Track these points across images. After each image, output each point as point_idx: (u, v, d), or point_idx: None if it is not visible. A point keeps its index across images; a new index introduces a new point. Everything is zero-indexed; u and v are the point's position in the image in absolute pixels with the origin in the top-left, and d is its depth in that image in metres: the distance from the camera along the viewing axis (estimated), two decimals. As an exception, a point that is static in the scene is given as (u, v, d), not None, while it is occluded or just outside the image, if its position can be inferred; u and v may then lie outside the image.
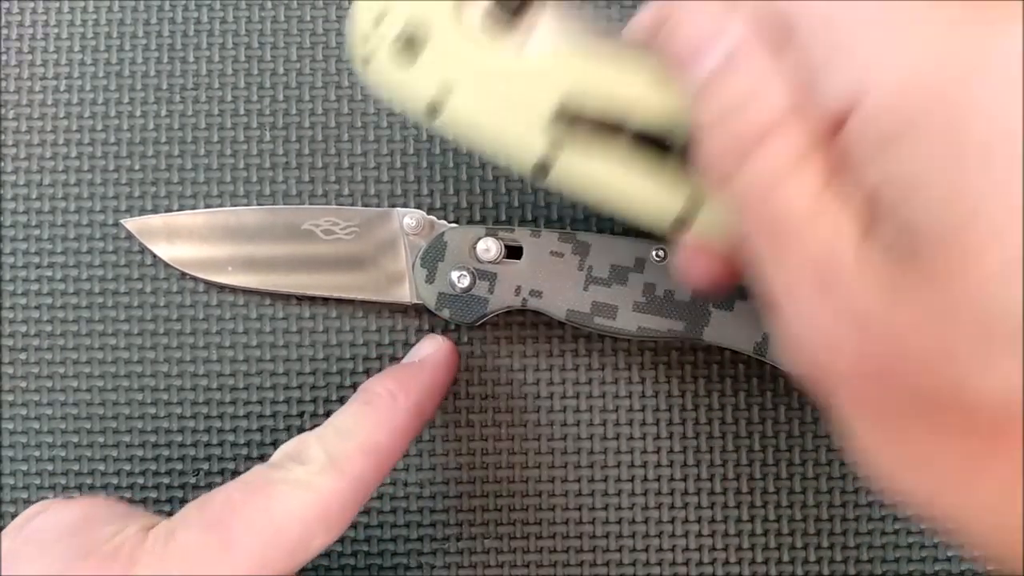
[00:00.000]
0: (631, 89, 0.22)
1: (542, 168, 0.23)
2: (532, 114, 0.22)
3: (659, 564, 0.30)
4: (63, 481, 0.30)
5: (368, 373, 0.30)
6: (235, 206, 0.31)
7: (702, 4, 0.20)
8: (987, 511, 0.17)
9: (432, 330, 0.31)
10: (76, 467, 0.30)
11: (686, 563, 0.30)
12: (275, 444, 0.30)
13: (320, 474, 0.23)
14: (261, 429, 0.30)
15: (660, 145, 0.22)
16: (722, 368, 0.30)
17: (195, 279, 0.31)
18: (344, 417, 0.25)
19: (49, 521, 0.23)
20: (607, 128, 0.22)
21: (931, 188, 0.16)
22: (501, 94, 0.22)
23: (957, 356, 0.16)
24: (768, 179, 0.18)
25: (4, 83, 0.31)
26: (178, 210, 0.31)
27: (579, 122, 0.22)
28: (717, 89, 0.19)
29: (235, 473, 0.30)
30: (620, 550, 0.30)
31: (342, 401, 0.31)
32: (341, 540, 0.30)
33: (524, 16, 0.23)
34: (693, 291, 0.27)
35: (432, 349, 0.28)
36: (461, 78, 0.23)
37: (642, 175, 0.22)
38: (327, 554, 0.30)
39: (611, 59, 0.22)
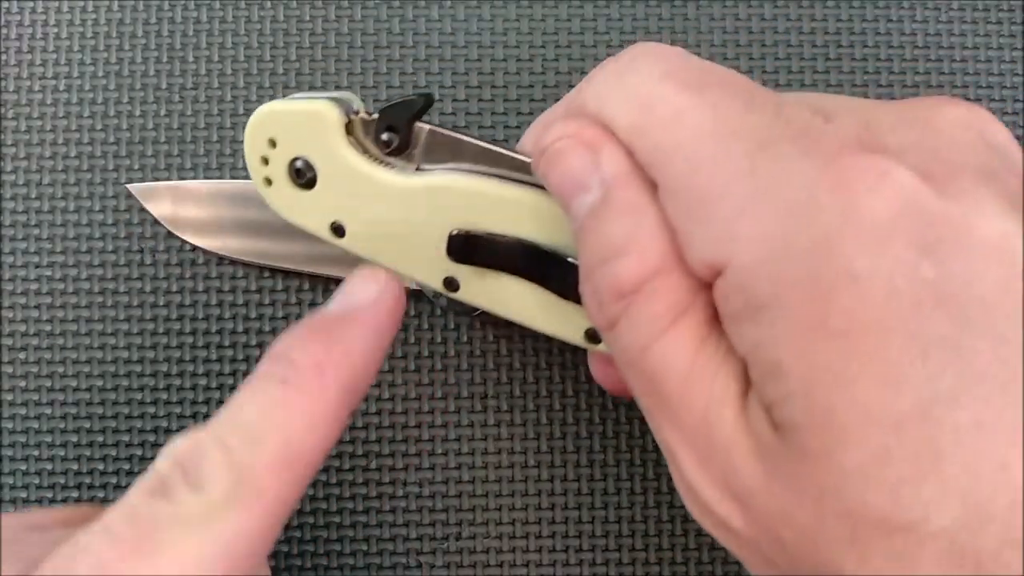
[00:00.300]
0: (524, 207, 0.22)
1: (450, 284, 0.23)
2: (431, 235, 0.22)
3: (659, 564, 0.30)
4: (62, 480, 0.30)
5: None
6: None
7: (572, 142, 0.19)
8: None
9: (429, 318, 0.30)
10: (75, 467, 0.30)
11: (686, 563, 0.30)
12: (274, 444, 0.30)
13: (225, 506, 0.17)
14: (260, 429, 0.30)
15: (561, 261, 0.22)
16: (722, 367, 0.30)
17: (195, 275, 0.31)
18: (252, 407, 0.18)
19: None
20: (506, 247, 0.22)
21: (792, 369, 0.15)
22: (397, 218, 0.23)
23: (831, 551, 0.15)
24: (644, 335, 0.17)
25: (4, 83, 0.31)
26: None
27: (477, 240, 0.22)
28: (594, 232, 0.18)
29: (234, 472, 0.30)
30: (620, 549, 0.30)
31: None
32: (340, 540, 0.30)
33: (411, 141, 0.23)
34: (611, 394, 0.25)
35: (370, 293, 0.21)
36: (356, 204, 0.23)
37: (545, 292, 0.22)
38: (326, 553, 0.30)
39: (502, 178, 0.22)
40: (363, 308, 0.20)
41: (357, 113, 0.23)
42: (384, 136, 0.23)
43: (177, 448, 0.18)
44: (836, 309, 0.15)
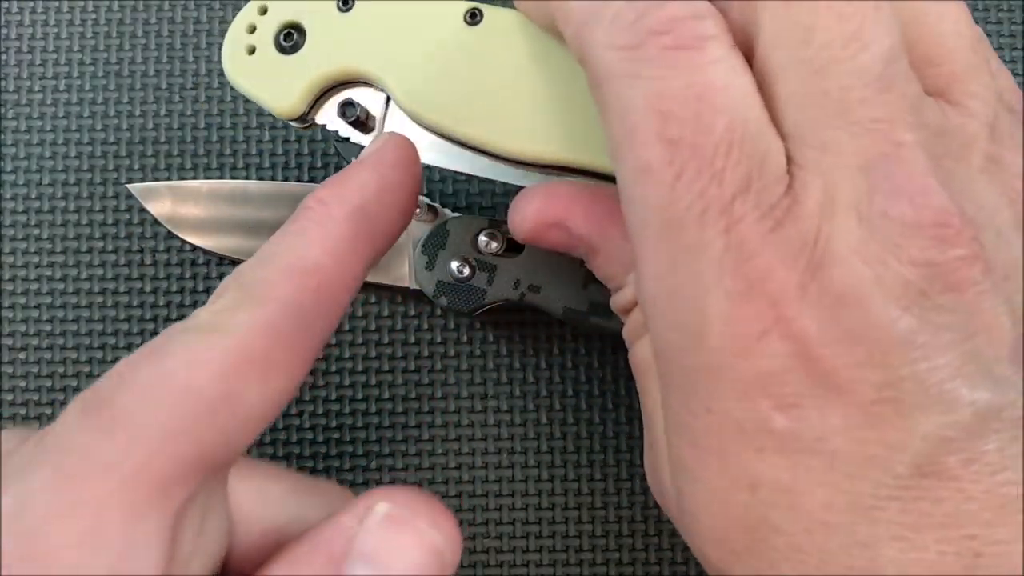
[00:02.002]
0: None
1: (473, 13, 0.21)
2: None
3: (659, 564, 0.30)
4: (62, 480, 0.30)
5: (356, 357, 0.30)
6: (234, 205, 0.31)
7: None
8: None
9: (429, 318, 0.30)
10: (75, 466, 0.30)
11: (685, 563, 0.30)
12: (274, 444, 0.30)
13: (232, 310, 0.17)
14: (260, 429, 0.30)
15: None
16: (722, 367, 0.30)
17: (195, 275, 0.31)
18: (266, 244, 0.19)
19: None
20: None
21: (672, 455, 0.18)
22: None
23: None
24: (630, 333, 0.20)
25: (4, 83, 0.31)
26: (177, 210, 0.31)
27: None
28: None
29: (234, 472, 0.30)
30: (620, 549, 0.30)
31: (339, 388, 0.30)
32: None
33: None
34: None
35: (375, 144, 0.21)
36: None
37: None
38: (326, 554, 0.30)
39: None
40: (368, 152, 0.21)
41: None
42: None
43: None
44: (696, 427, 0.17)
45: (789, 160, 0.16)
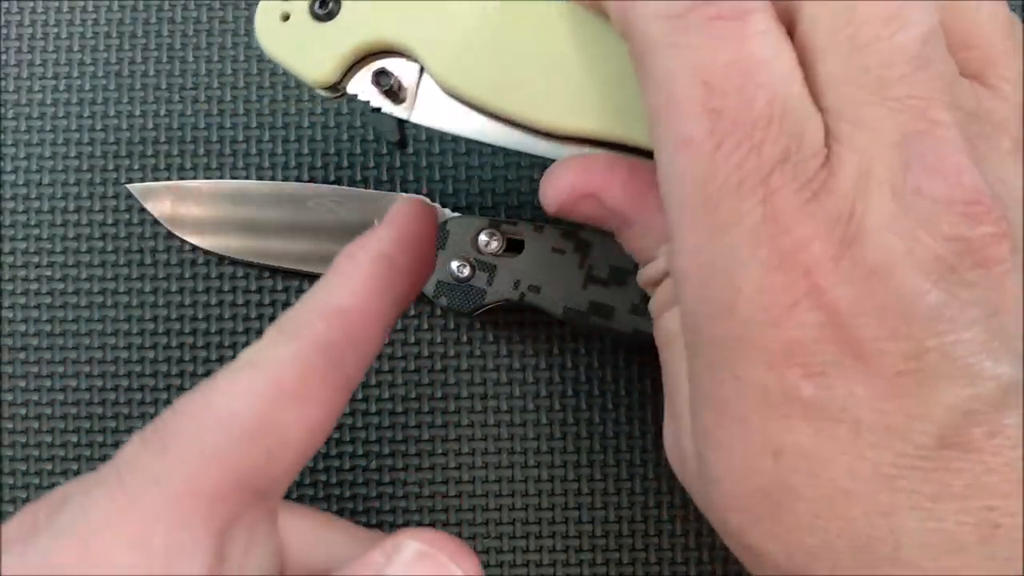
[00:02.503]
0: None
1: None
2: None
3: (659, 564, 0.30)
4: (62, 481, 0.30)
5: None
6: (234, 205, 0.31)
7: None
8: None
9: (429, 318, 0.30)
10: (75, 467, 0.30)
11: (686, 562, 0.30)
12: (274, 444, 0.30)
13: (268, 347, 0.20)
14: (260, 429, 0.30)
15: None
16: (722, 367, 0.30)
17: (195, 275, 0.31)
18: (303, 295, 0.21)
19: None
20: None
21: (694, 420, 0.18)
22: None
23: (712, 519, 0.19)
24: (657, 307, 0.21)
25: (4, 83, 0.31)
26: (177, 210, 0.31)
27: None
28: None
29: (234, 473, 0.30)
30: (620, 549, 0.30)
31: (341, 400, 0.30)
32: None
33: None
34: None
35: (396, 206, 0.24)
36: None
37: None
38: (326, 554, 0.30)
39: None
40: (388, 214, 0.23)
41: None
42: None
43: None
44: (722, 395, 0.17)
45: (826, 135, 0.16)
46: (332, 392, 0.20)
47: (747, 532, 0.17)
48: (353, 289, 0.21)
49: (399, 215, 0.23)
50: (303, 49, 0.22)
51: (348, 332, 0.20)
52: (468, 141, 0.31)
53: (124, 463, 0.19)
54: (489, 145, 0.23)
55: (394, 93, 0.22)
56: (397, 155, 0.31)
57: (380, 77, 0.22)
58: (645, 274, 0.21)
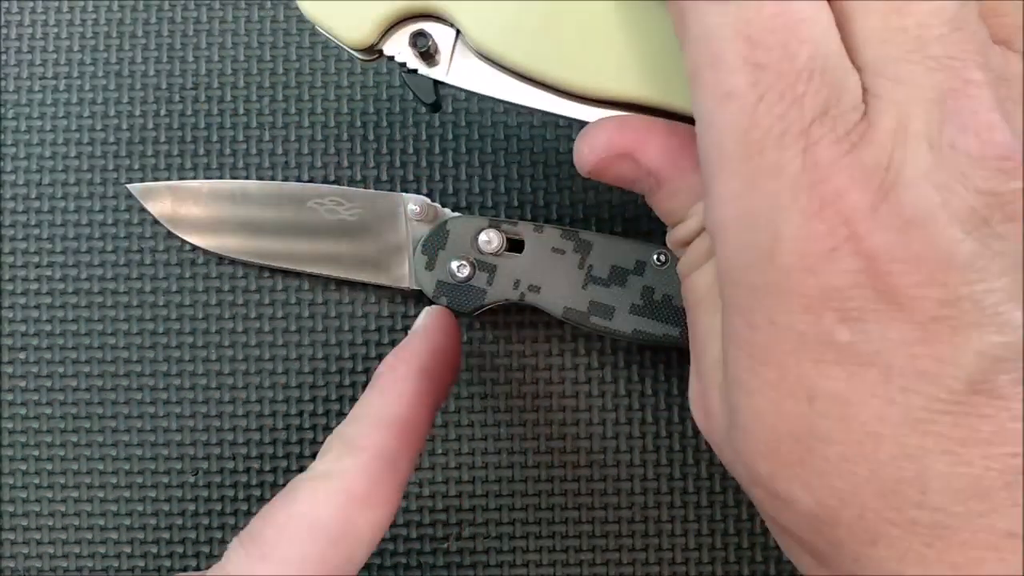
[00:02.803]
0: None
1: None
2: None
3: (659, 564, 0.30)
4: (62, 480, 0.30)
5: (356, 357, 0.30)
6: (234, 205, 0.31)
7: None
8: None
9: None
10: (75, 467, 0.30)
11: (685, 563, 0.30)
12: (274, 443, 0.30)
13: (338, 460, 0.23)
14: (260, 428, 0.30)
15: None
16: (722, 367, 0.30)
17: (195, 275, 0.31)
18: (355, 407, 0.25)
19: None
20: None
21: (727, 362, 0.19)
22: None
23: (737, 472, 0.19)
24: (687, 266, 0.21)
25: (4, 83, 0.31)
26: (177, 210, 0.31)
27: None
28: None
29: (234, 472, 0.30)
30: (620, 550, 0.30)
31: (340, 388, 0.31)
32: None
33: None
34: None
35: (424, 319, 0.27)
36: None
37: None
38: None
39: None
40: (420, 325, 0.27)
41: None
42: None
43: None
44: (757, 341, 0.17)
45: (864, 91, 0.17)
46: (392, 493, 0.23)
47: (777, 479, 0.18)
48: (401, 402, 0.24)
49: (431, 328, 0.27)
50: (342, 11, 0.22)
51: (402, 440, 0.24)
52: (468, 141, 0.31)
53: (233, 568, 0.22)
54: (524, 107, 0.23)
55: (430, 55, 0.23)
56: (398, 154, 0.31)
57: (417, 39, 0.23)
58: (676, 235, 0.21)
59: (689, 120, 0.20)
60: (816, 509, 0.17)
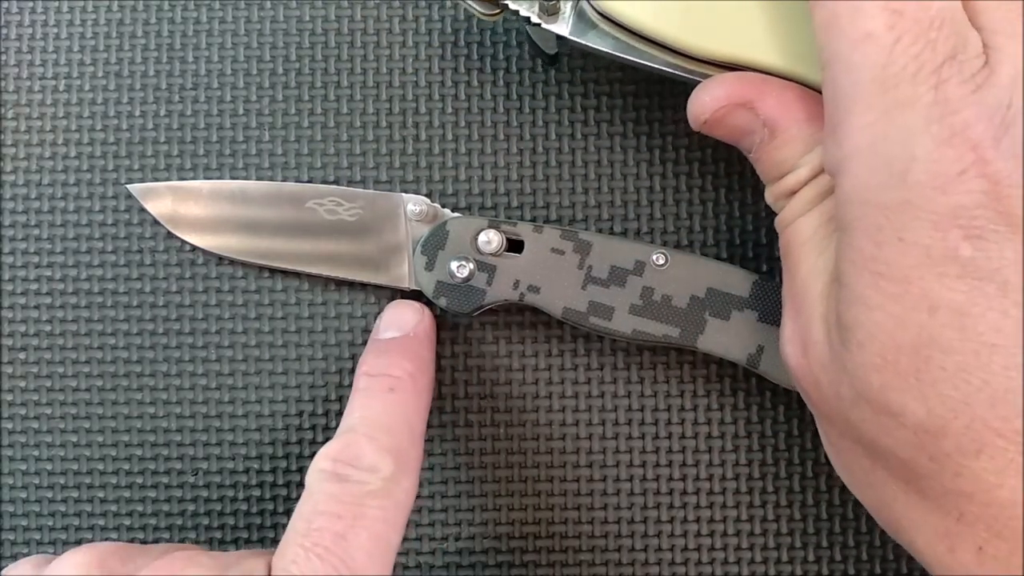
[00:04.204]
0: None
1: None
2: None
3: (658, 564, 0.30)
4: (62, 481, 0.30)
5: (356, 357, 0.30)
6: (234, 206, 0.31)
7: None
8: (921, 540, 0.21)
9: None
10: (75, 467, 0.30)
11: (685, 563, 0.30)
12: (274, 443, 0.30)
13: (394, 480, 0.24)
14: (260, 428, 0.30)
15: None
16: (721, 368, 0.30)
17: (195, 275, 0.31)
18: (379, 411, 0.25)
19: None
20: None
21: (846, 283, 0.20)
22: None
23: (841, 402, 0.21)
24: (793, 212, 0.23)
25: (4, 83, 0.31)
26: (177, 210, 0.31)
27: None
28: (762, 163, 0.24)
29: (234, 472, 0.30)
30: (619, 550, 0.30)
31: (339, 388, 0.31)
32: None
33: None
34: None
35: (418, 319, 0.28)
36: None
37: None
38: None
39: None
40: (415, 326, 0.28)
41: None
42: None
43: (336, 449, 0.24)
44: (883, 257, 0.19)
45: (985, 46, 0.19)
46: (417, 462, 0.25)
47: (890, 389, 0.19)
48: (421, 412, 0.27)
49: (428, 333, 0.28)
50: None
51: (421, 451, 0.26)
52: (468, 141, 0.31)
53: None
54: (643, 66, 0.25)
55: (554, 8, 0.25)
56: (397, 154, 0.31)
57: None
58: (784, 184, 0.23)
59: (805, 85, 0.23)
60: (926, 420, 0.19)
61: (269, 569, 0.23)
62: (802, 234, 0.23)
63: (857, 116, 0.19)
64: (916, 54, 0.19)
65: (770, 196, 0.24)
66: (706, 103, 0.23)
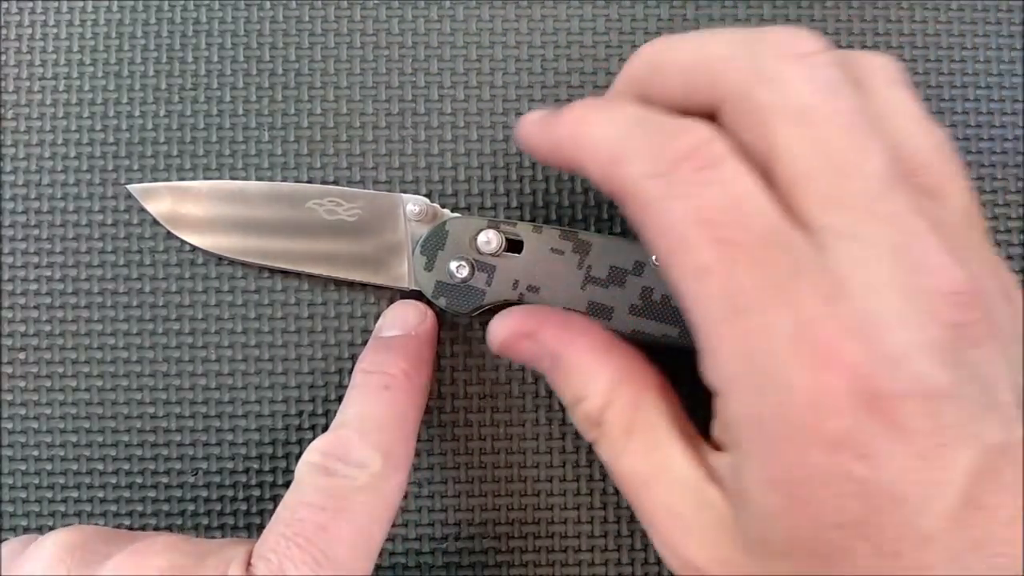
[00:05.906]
0: None
1: None
2: None
3: (658, 564, 0.30)
4: (62, 481, 0.30)
5: (355, 357, 0.30)
6: (234, 206, 0.31)
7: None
8: None
9: (431, 329, 0.31)
10: (75, 467, 0.30)
11: (685, 563, 0.30)
12: (274, 443, 0.30)
13: (383, 476, 0.24)
14: (260, 428, 0.31)
15: None
16: (721, 368, 0.30)
17: (195, 275, 0.31)
18: (369, 406, 0.26)
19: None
20: None
21: (752, 498, 0.20)
22: None
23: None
24: (610, 454, 0.24)
25: (4, 83, 0.31)
26: (177, 210, 0.31)
27: None
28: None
29: (232, 473, 0.30)
30: (619, 549, 0.30)
31: (339, 388, 0.31)
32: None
33: None
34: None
35: (420, 319, 0.29)
36: None
37: None
38: (326, 553, 0.30)
39: None
40: (417, 326, 0.29)
41: None
42: None
43: (326, 443, 0.25)
44: (783, 477, 0.19)
45: (825, 249, 0.19)
46: (407, 460, 0.26)
47: None
48: (415, 410, 0.27)
49: (428, 334, 0.29)
50: None
51: (412, 449, 0.26)
52: (468, 141, 0.31)
53: None
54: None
55: None
56: (396, 154, 0.31)
57: None
58: (583, 410, 0.24)
59: None
60: None
61: (249, 556, 0.23)
62: (639, 472, 0.23)
63: (722, 345, 0.19)
64: (757, 278, 0.18)
65: (576, 423, 0.25)
66: (497, 332, 0.26)
